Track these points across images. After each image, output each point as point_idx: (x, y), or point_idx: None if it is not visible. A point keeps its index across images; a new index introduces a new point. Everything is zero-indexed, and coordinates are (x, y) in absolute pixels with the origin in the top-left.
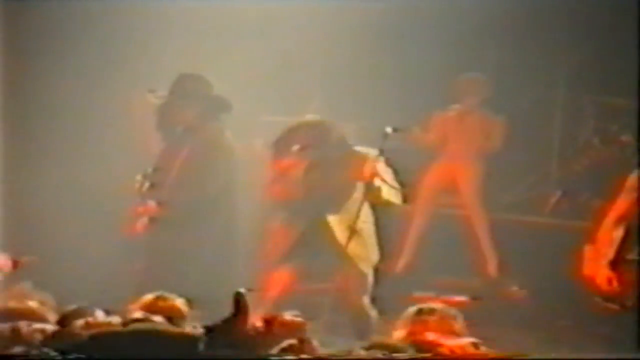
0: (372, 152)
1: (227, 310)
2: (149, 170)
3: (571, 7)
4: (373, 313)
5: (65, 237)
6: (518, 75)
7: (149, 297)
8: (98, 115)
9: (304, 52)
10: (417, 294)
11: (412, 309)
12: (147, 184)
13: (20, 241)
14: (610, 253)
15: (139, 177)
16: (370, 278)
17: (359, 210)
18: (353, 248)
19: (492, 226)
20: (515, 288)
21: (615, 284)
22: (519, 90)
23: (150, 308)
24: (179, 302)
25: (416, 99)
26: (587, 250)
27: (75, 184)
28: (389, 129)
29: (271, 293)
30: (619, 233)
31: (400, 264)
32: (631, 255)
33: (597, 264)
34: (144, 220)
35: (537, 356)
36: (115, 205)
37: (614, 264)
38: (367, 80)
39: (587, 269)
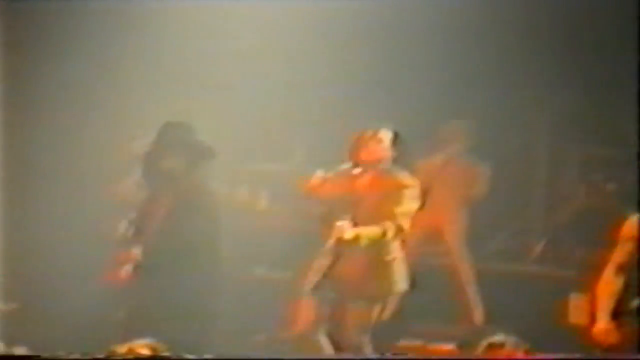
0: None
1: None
2: (134, 216)
3: (555, 56)
4: (369, 349)
5: (47, 285)
6: (502, 123)
7: (134, 344)
8: (81, 160)
9: (287, 100)
10: (404, 342)
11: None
12: (132, 230)
13: (3, 289)
14: (611, 304)
15: (124, 223)
16: (375, 314)
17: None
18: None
19: (477, 274)
20: (500, 336)
21: (614, 335)
22: (503, 138)
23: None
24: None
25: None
26: (574, 298)
27: (59, 230)
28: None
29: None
30: (619, 284)
31: (386, 311)
32: (631, 305)
33: (593, 316)
34: (128, 267)
35: (536, 356)
36: (98, 252)
37: (615, 316)
38: (352, 128)
39: (575, 318)
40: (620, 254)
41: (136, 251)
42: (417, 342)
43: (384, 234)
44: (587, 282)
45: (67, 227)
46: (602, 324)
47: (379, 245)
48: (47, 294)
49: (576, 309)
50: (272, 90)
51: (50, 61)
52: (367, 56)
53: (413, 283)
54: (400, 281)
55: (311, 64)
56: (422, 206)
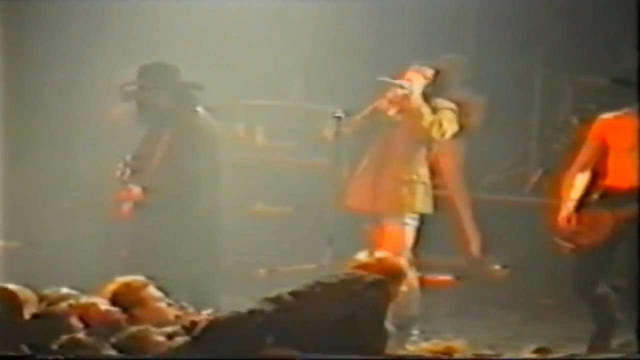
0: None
1: (213, 290)
2: (129, 158)
3: None
4: (411, 277)
5: (48, 223)
6: (497, 56)
7: (119, 280)
8: (78, 106)
9: (285, 34)
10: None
11: None
12: (128, 172)
13: (5, 227)
14: (574, 196)
15: (120, 165)
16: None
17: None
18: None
19: (474, 206)
20: (497, 267)
21: (573, 222)
22: (498, 70)
23: (119, 293)
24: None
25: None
26: None
27: (59, 171)
28: (339, 113)
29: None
30: (583, 179)
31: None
32: (594, 197)
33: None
34: (129, 204)
35: (536, 356)
36: (100, 191)
37: (577, 206)
38: (349, 61)
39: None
40: (586, 152)
41: (136, 190)
42: (415, 274)
43: (430, 126)
44: None
45: (68, 166)
46: (564, 212)
47: (406, 160)
48: (48, 232)
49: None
50: (268, 26)
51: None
52: None
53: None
54: (423, 202)
55: (309, 1)
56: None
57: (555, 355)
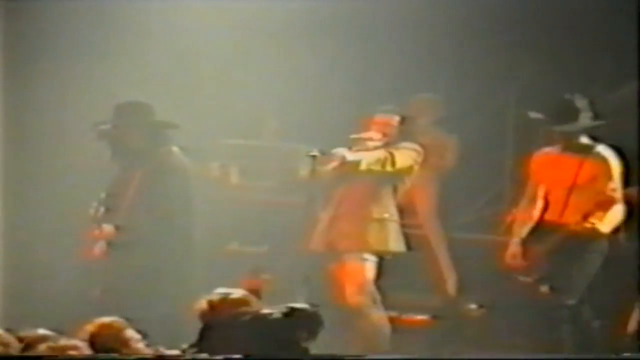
0: None
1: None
2: (103, 195)
3: (521, 25)
4: (377, 316)
5: (22, 263)
6: (470, 95)
7: (97, 322)
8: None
9: (259, 74)
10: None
11: None
12: (101, 210)
13: None
14: (520, 233)
15: (93, 204)
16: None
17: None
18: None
19: (449, 245)
20: (473, 306)
21: (519, 258)
22: (471, 110)
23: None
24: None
25: (364, 119)
26: None
27: (33, 208)
28: (314, 152)
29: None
30: (531, 215)
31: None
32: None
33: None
34: (102, 244)
35: (536, 356)
36: (73, 230)
37: (524, 243)
38: (323, 101)
39: None
40: (529, 188)
41: (108, 229)
42: (392, 313)
43: (383, 162)
44: None
45: (41, 206)
46: (511, 249)
47: (376, 199)
48: (22, 272)
49: None
50: (243, 65)
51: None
52: (335, 31)
53: (409, 246)
54: (396, 241)
55: (283, 39)
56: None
57: (557, 356)
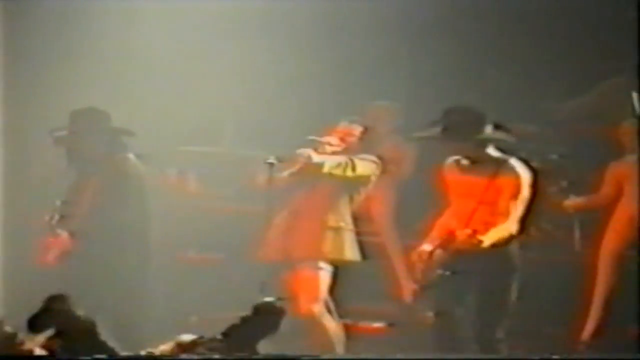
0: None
1: (143, 339)
2: (58, 203)
3: (479, 34)
4: (331, 324)
5: None
6: (427, 103)
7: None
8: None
9: (216, 80)
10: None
11: None
12: (56, 217)
13: None
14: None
15: (49, 211)
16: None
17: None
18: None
19: (405, 253)
20: (430, 313)
21: (419, 296)
22: (429, 117)
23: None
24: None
25: (326, 128)
26: None
27: None
28: (271, 159)
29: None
30: (425, 250)
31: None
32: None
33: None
34: (55, 252)
35: (536, 356)
36: (29, 236)
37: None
38: (281, 108)
39: None
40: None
41: (64, 236)
42: (347, 321)
43: (344, 167)
44: None
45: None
46: (407, 288)
47: (333, 208)
48: None
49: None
50: (198, 72)
51: None
52: (294, 38)
53: (364, 254)
54: (352, 249)
55: (240, 46)
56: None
57: (554, 356)
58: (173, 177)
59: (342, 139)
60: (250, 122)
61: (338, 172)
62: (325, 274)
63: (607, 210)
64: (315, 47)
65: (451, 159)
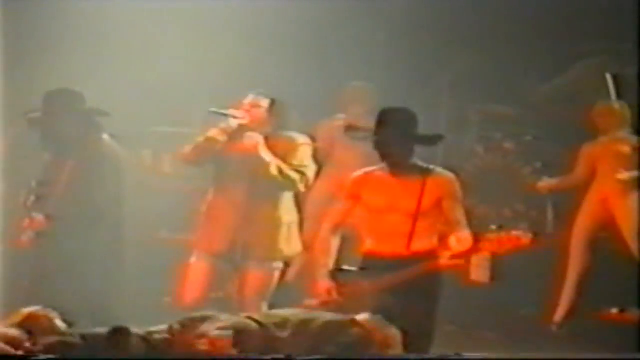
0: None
1: (118, 319)
2: (33, 184)
3: (455, 15)
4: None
5: None
6: (402, 84)
7: (24, 312)
8: None
9: (190, 61)
10: (309, 302)
11: None
12: (32, 198)
13: None
14: (329, 263)
15: (24, 192)
16: (274, 281)
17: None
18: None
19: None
20: None
21: (334, 294)
22: (403, 99)
23: (24, 324)
24: (55, 319)
25: (302, 108)
26: (475, 257)
27: None
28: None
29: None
30: (336, 243)
31: (291, 272)
32: (347, 266)
33: (316, 273)
34: (30, 234)
35: (538, 356)
36: (3, 218)
37: (333, 274)
38: (252, 88)
39: (476, 276)
40: (339, 212)
41: (38, 218)
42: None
43: (294, 182)
44: (488, 239)
45: None
46: (323, 283)
47: (282, 203)
48: None
49: (477, 268)
50: (173, 53)
51: None
52: (265, 17)
53: (305, 246)
54: (297, 243)
55: (211, 26)
56: (321, 166)
57: (550, 356)
58: (148, 158)
59: (248, 112)
60: (223, 103)
61: (287, 180)
62: (276, 274)
63: (580, 191)
64: (289, 28)
65: (368, 168)
